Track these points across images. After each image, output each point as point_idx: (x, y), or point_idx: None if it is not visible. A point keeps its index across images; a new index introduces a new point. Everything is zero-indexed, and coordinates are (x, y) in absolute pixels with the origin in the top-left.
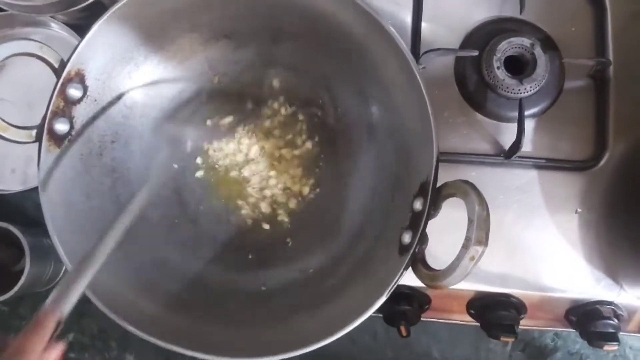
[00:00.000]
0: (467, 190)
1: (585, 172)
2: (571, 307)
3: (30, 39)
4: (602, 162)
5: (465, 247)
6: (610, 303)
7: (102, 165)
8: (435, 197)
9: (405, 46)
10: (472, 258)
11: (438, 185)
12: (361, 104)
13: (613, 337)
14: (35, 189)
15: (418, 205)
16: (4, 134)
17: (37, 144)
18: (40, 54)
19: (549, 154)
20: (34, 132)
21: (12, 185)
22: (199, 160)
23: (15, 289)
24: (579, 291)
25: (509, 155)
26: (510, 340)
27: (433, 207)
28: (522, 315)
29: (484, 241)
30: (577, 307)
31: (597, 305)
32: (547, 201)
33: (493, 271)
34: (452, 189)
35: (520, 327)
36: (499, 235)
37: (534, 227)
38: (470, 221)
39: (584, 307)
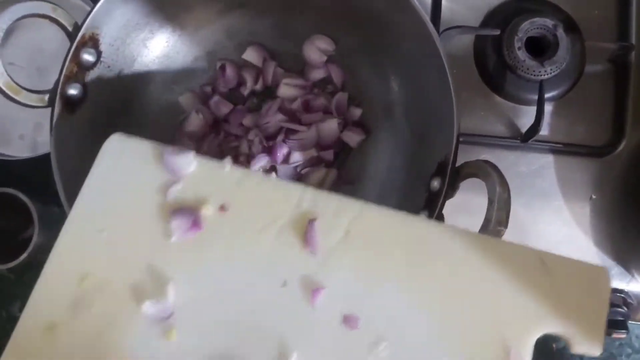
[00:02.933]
0: (488, 170)
1: (602, 159)
2: None
3: (43, 0)
4: (619, 149)
5: (485, 227)
6: (621, 291)
7: (114, 131)
8: (454, 176)
9: (428, 20)
10: None
11: (457, 165)
12: (380, 80)
13: (622, 325)
14: (45, 156)
15: (436, 184)
16: (16, 97)
17: (47, 110)
18: (53, 15)
19: (565, 138)
20: (46, 96)
21: (21, 151)
22: None
23: (23, 256)
24: None
25: (526, 138)
26: None
27: (451, 187)
28: None
29: (504, 222)
30: None
31: None
32: (562, 186)
33: None
34: (472, 168)
35: None
36: (511, 219)
37: (547, 212)
38: (490, 202)
39: None
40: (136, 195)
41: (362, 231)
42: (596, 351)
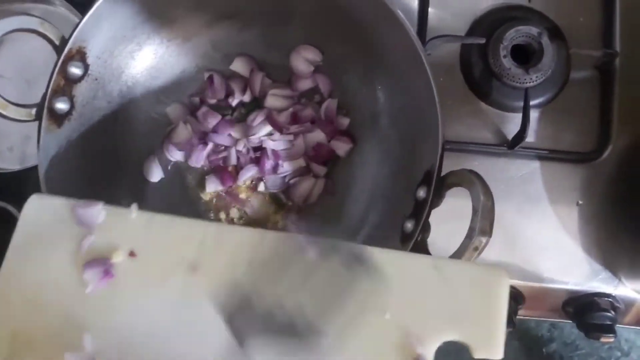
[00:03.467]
0: (472, 179)
1: (588, 164)
2: (569, 298)
3: (30, 15)
4: (605, 155)
5: (469, 237)
6: (608, 295)
7: (102, 144)
8: (439, 186)
9: (412, 31)
10: (476, 248)
11: (443, 174)
12: (367, 89)
13: (610, 329)
14: (34, 168)
15: (422, 193)
16: (3, 112)
17: (36, 123)
18: (41, 30)
19: (552, 145)
20: (33, 110)
21: (10, 164)
22: None
23: None
24: (577, 283)
25: (513, 145)
26: (508, 330)
27: (437, 196)
28: (520, 306)
29: (488, 231)
30: (575, 298)
31: (595, 297)
32: (549, 192)
33: (492, 260)
34: (457, 178)
35: (517, 317)
36: (499, 225)
37: (534, 218)
38: (474, 211)
39: (582, 299)
40: (55, 251)
41: (263, 258)
42: (496, 355)
